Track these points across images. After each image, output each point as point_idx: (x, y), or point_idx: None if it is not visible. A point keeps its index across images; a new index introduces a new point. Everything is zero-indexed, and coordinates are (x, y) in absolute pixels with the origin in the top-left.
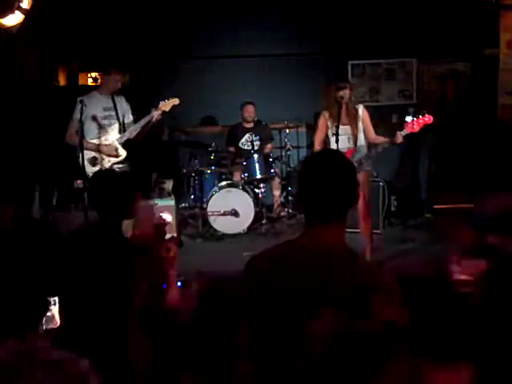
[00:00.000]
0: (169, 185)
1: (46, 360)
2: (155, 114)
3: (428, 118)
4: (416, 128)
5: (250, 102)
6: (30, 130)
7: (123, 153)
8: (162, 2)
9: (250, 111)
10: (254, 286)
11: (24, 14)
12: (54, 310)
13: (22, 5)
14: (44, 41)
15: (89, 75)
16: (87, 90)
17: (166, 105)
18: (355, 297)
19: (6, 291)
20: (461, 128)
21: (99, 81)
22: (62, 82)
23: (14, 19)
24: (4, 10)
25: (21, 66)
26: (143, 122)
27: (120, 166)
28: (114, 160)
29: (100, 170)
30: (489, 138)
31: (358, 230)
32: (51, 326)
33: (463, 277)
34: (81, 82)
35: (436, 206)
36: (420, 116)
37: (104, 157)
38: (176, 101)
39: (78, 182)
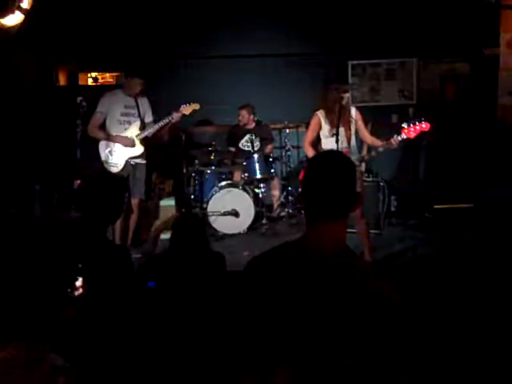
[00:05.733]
0: (169, 185)
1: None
2: (175, 116)
3: (425, 125)
4: (412, 134)
5: (244, 106)
6: (29, 130)
7: (140, 148)
8: (161, 2)
9: (242, 115)
10: (255, 287)
11: (24, 14)
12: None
13: (22, 5)
14: (44, 41)
15: (89, 75)
16: (87, 90)
17: (187, 109)
18: (356, 300)
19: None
20: (461, 128)
21: (99, 80)
22: (62, 82)
23: (13, 19)
24: (4, 9)
25: (21, 66)
26: (162, 122)
27: (136, 160)
28: (130, 154)
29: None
30: (488, 138)
31: (355, 230)
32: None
33: None
34: (81, 82)
35: (436, 206)
36: (417, 122)
37: (121, 148)
38: (197, 106)
39: (78, 181)
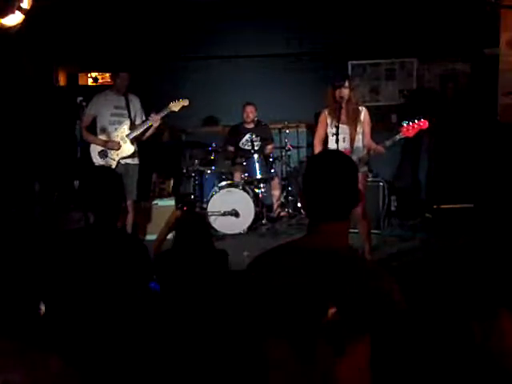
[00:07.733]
0: (169, 185)
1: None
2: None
3: (423, 123)
4: (411, 133)
5: (250, 102)
6: (29, 130)
7: (131, 148)
8: (161, 2)
9: (249, 112)
10: (257, 286)
11: (24, 14)
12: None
13: (22, 5)
14: (44, 41)
15: (89, 75)
16: (87, 90)
17: (176, 105)
18: (358, 299)
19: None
20: (461, 128)
21: (99, 80)
22: (62, 82)
23: (13, 19)
24: (4, 9)
25: (20, 67)
26: (147, 122)
27: (127, 160)
28: (122, 154)
29: (91, 170)
30: (489, 138)
31: (356, 231)
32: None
33: None
34: (81, 82)
35: (436, 206)
36: (416, 121)
37: (111, 151)
38: (186, 102)
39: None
